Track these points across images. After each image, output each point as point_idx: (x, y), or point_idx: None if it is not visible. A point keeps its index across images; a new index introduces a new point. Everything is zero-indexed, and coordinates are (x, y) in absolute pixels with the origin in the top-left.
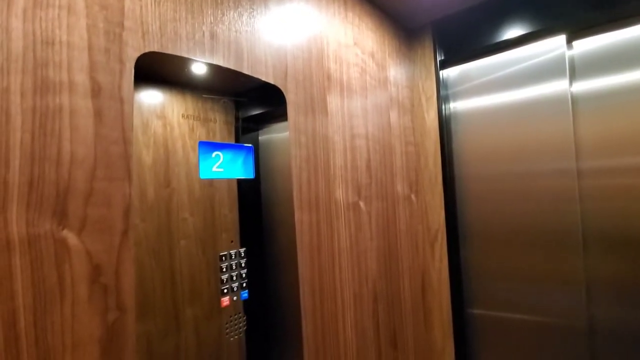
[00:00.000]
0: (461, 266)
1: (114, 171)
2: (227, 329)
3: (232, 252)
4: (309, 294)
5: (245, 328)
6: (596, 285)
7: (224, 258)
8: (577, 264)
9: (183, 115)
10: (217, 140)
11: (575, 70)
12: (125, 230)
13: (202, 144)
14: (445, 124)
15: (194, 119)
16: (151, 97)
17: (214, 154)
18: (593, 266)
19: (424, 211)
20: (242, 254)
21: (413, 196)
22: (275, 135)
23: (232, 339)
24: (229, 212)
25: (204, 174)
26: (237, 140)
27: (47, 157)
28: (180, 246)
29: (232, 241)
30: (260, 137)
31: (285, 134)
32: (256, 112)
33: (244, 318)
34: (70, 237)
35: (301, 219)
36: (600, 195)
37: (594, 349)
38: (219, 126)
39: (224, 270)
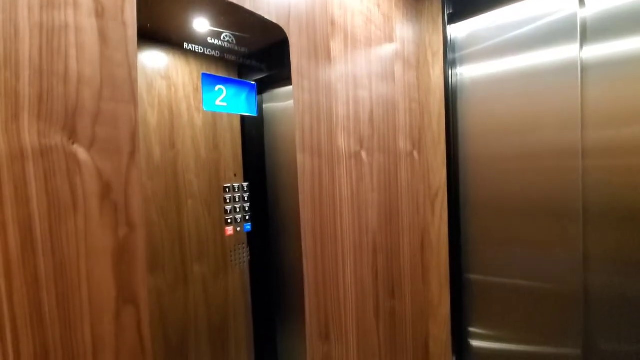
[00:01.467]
0: (461, 226)
1: (120, 93)
2: (231, 258)
3: (236, 185)
4: (310, 236)
5: (248, 259)
6: (593, 253)
7: (227, 190)
8: (575, 233)
9: (185, 49)
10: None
11: (587, 33)
12: (133, 151)
13: (205, 75)
14: (450, 83)
15: (195, 57)
16: (155, 54)
17: (217, 87)
18: (591, 235)
19: (426, 170)
20: (245, 188)
21: (415, 154)
22: (278, 89)
23: (236, 267)
24: (232, 147)
25: (207, 106)
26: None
27: (55, 73)
28: (186, 180)
29: (235, 175)
30: (263, 84)
31: (288, 88)
32: (258, 55)
33: (248, 249)
34: (81, 152)
35: (303, 161)
36: (603, 167)
37: (587, 314)
38: (223, 65)
39: (228, 201)
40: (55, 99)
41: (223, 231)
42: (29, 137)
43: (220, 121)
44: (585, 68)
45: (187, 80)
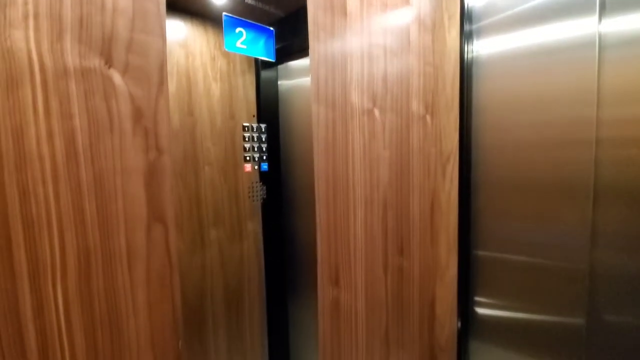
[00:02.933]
0: (471, 193)
1: (150, 26)
2: (249, 193)
3: (254, 125)
4: (324, 183)
5: (264, 197)
6: (601, 230)
7: (246, 128)
8: (585, 209)
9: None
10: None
11: (606, 4)
12: (161, 83)
13: (227, 17)
14: (466, 50)
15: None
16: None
17: (237, 30)
18: (601, 213)
19: (438, 134)
20: (263, 129)
21: (428, 117)
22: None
23: (253, 202)
24: (250, 90)
25: (228, 47)
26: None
27: (93, 2)
28: (201, 114)
29: (253, 115)
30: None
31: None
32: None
33: (264, 187)
34: (116, 76)
35: (318, 112)
36: (617, 144)
37: (593, 287)
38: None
39: (246, 139)
40: (93, 25)
41: (242, 168)
42: (71, 57)
43: (238, 60)
44: (604, 41)
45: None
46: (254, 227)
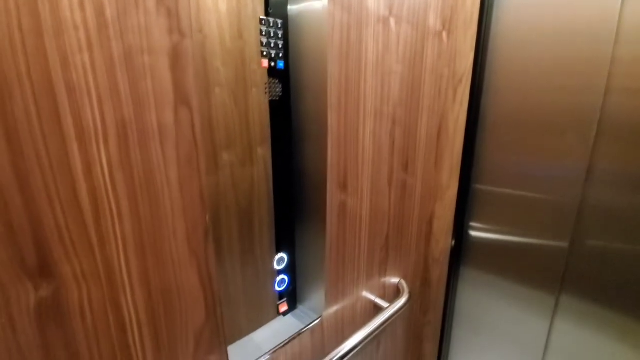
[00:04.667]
0: (479, 118)
1: None
2: (265, 89)
3: (271, 19)
4: (336, 90)
5: (281, 94)
6: (598, 166)
7: (263, 22)
8: (586, 145)
9: None
10: None
11: None
12: None
13: None
14: None
15: None
16: None
17: None
18: (601, 149)
19: (453, 53)
20: (279, 25)
21: (444, 35)
22: None
23: (270, 99)
24: (259, 6)
25: None
26: None
27: None
28: (211, 31)
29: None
30: None
31: None
32: None
33: (280, 85)
34: None
35: (333, 12)
36: (629, 80)
37: (579, 219)
38: None
39: (264, 34)
40: None
41: (260, 62)
42: None
43: None
44: None
45: None
46: (263, 152)
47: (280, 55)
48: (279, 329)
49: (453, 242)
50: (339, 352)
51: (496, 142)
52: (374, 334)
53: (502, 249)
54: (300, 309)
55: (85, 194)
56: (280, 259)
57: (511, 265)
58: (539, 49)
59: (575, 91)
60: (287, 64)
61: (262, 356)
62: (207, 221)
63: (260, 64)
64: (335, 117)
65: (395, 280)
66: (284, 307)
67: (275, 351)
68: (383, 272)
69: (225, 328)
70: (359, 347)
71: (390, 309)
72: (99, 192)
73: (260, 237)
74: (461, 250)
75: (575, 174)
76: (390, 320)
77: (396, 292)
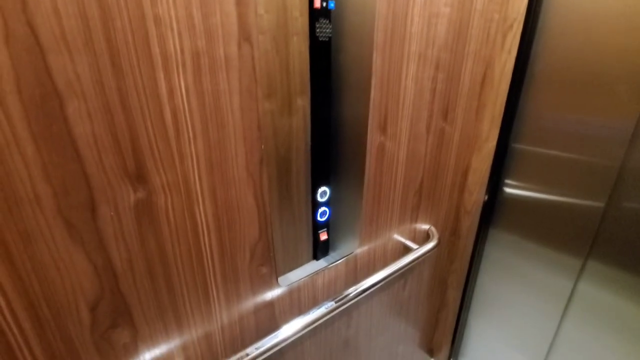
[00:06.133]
0: (527, 68)
1: None
2: (317, 29)
3: None
4: (382, 31)
5: (330, 36)
6: None
7: None
8: (634, 110)
9: None
10: None
11: None
12: None
13: None
14: None
15: None
16: None
17: None
18: None
19: None
20: None
21: None
22: None
23: (321, 39)
24: None
25: None
26: None
27: None
28: None
29: None
30: None
31: None
32: None
33: (330, 25)
34: None
35: None
36: None
37: (618, 181)
38: None
39: None
40: None
41: (301, 7)
42: None
43: None
44: None
45: None
46: (303, 102)
47: None
48: (317, 265)
49: (486, 197)
50: (369, 282)
51: (542, 95)
52: (402, 271)
53: (536, 207)
54: (335, 251)
55: (169, 115)
56: (323, 192)
57: (543, 225)
58: (598, 11)
59: (634, 47)
60: (337, 4)
61: (304, 277)
62: (262, 149)
63: (302, 8)
64: (379, 57)
65: (425, 226)
66: (324, 236)
67: (316, 274)
68: (415, 217)
69: (274, 246)
70: (387, 280)
71: (419, 250)
72: (179, 115)
73: (297, 189)
74: (494, 205)
75: (621, 135)
76: (418, 261)
77: (426, 238)
